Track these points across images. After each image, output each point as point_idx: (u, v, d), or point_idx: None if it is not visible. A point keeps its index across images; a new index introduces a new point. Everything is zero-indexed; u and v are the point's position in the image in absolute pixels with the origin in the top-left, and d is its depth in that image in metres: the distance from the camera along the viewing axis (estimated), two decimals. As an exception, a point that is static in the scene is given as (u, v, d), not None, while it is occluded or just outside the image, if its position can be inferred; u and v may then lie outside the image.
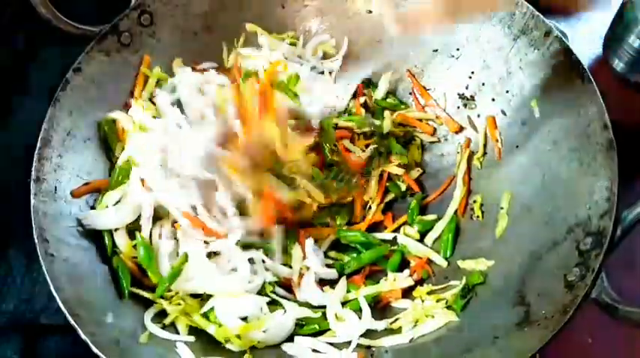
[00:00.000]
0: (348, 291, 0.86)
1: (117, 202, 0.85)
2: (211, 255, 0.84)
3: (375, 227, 0.93)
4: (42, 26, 0.85)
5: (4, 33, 1.07)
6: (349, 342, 0.80)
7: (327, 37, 1.03)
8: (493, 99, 0.93)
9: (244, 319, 0.80)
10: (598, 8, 1.18)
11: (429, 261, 0.89)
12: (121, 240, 0.83)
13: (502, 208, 0.87)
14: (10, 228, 0.94)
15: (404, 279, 0.86)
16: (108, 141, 0.90)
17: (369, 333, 0.81)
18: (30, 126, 0.83)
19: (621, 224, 0.71)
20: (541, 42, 0.86)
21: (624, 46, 1.03)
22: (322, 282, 0.86)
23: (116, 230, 0.84)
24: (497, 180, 0.90)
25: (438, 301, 0.83)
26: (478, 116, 0.95)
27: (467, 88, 0.96)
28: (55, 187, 0.82)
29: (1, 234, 0.96)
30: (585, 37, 1.13)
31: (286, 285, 0.86)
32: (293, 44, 1.02)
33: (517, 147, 0.89)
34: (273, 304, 0.83)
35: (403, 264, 0.89)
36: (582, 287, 0.69)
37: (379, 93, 1.01)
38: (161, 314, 0.81)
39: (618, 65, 1.06)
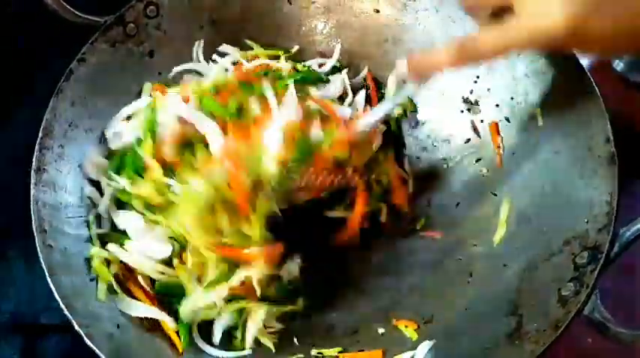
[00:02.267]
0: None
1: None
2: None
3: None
4: (44, 24, 0.84)
5: (6, 31, 1.05)
6: None
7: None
8: (497, 105, 0.92)
9: None
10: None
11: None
12: None
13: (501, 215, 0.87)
14: (10, 227, 0.93)
15: None
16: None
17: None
18: (30, 127, 0.82)
19: (618, 240, 0.71)
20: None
21: (624, 45, 1.02)
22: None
23: None
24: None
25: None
26: (482, 121, 0.94)
27: (471, 92, 0.95)
28: (56, 177, 0.82)
29: (1, 234, 0.95)
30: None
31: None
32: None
33: (519, 154, 0.89)
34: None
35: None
36: (575, 303, 0.69)
37: (390, 91, 1.00)
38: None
39: (618, 65, 1.06)
